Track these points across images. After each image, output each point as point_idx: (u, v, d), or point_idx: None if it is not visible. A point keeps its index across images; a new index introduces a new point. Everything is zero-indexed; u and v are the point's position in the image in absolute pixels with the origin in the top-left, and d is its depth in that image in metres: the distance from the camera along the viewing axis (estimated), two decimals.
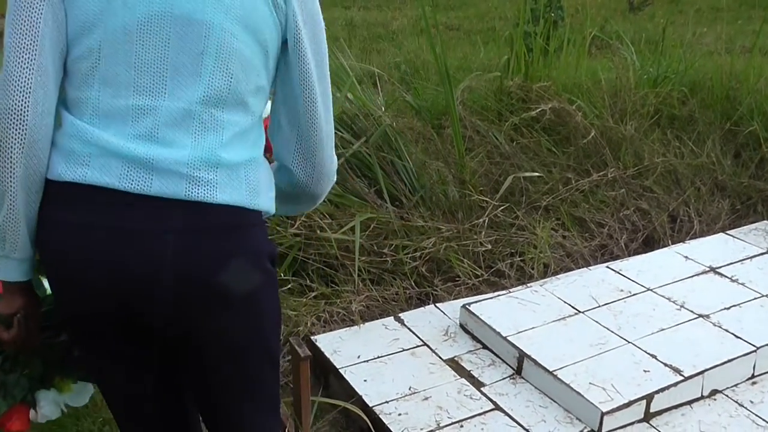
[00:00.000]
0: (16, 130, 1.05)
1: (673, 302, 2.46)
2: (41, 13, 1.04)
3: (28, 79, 1.04)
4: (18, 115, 1.04)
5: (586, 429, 1.96)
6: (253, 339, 1.20)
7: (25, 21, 1.04)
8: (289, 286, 2.57)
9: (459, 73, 4.96)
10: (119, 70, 1.06)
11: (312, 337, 2.33)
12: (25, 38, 1.04)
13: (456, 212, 3.05)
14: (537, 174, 3.30)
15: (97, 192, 1.06)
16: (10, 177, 1.06)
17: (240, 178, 1.12)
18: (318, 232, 2.68)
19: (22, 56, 1.04)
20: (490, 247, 2.92)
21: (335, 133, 2.96)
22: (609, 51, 5.20)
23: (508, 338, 2.24)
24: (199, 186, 1.08)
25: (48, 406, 1.30)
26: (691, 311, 2.40)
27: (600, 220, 3.23)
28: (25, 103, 1.04)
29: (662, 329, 2.30)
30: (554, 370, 2.09)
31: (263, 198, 1.16)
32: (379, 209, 2.89)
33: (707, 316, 2.37)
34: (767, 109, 3.52)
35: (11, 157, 1.05)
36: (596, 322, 2.35)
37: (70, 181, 1.07)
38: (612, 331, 2.30)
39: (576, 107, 3.60)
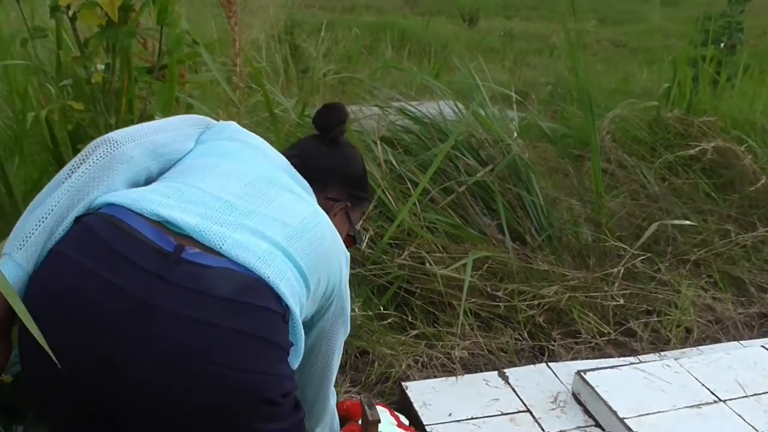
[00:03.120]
0: (104, 148, 1.18)
1: None
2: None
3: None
4: (112, 141, 1.19)
5: None
6: None
7: None
8: (389, 320, 2.40)
9: (615, 96, 4.55)
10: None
11: (403, 383, 2.14)
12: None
13: (587, 258, 2.73)
14: (689, 222, 2.88)
15: None
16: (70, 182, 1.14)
17: None
18: (427, 265, 2.49)
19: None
20: (622, 301, 2.57)
21: (461, 157, 2.80)
22: None
23: (625, 420, 1.92)
24: None
25: None
26: None
27: (762, 283, 2.77)
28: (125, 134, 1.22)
29: None
30: None
31: None
32: (498, 246, 2.64)
33: None
34: None
35: (87, 166, 1.15)
36: (740, 416, 1.96)
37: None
38: (758, 431, 1.90)
39: (746, 148, 3.13)
